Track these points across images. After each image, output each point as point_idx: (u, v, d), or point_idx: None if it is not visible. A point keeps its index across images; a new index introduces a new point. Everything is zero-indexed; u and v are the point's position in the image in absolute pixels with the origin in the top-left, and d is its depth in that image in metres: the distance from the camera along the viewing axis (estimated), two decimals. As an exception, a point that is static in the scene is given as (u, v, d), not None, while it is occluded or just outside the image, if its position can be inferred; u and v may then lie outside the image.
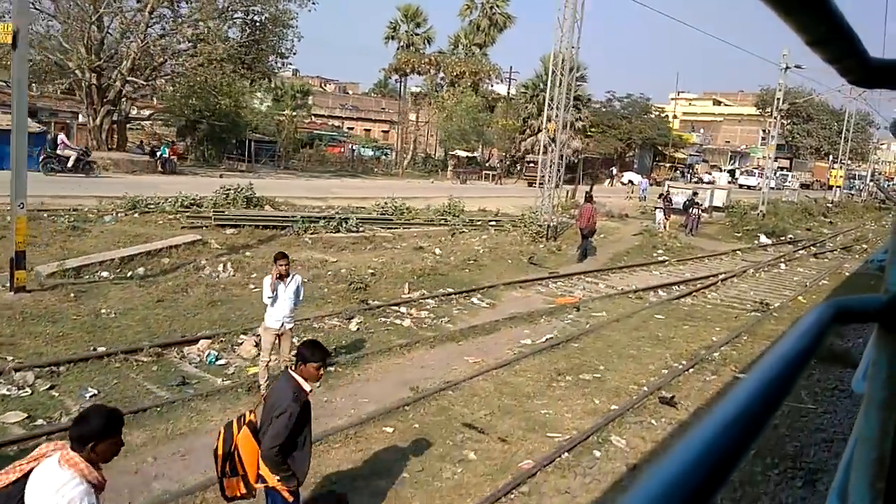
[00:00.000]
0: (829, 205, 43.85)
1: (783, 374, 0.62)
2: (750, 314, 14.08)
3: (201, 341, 9.11)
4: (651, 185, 49.50)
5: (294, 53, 38.41)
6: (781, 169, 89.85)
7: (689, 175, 67.63)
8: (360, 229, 18.94)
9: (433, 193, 29.47)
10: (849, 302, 0.87)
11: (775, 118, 31.15)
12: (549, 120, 23.16)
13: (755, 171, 68.93)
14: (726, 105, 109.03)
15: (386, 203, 23.08)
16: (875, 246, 28.99)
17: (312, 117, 61.76)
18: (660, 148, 63.90)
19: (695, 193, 27.08)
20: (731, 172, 73.06)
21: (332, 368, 8.47)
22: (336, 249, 16.47)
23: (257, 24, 35.31)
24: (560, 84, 21.98)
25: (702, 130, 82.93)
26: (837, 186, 76.48)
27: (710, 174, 73.45)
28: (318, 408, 6.50)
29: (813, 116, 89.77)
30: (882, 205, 70.18)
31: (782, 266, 20.48)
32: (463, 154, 50.71)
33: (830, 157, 63.71)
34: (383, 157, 55.54)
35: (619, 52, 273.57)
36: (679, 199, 27.12)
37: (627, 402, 8.38)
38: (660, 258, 20.04)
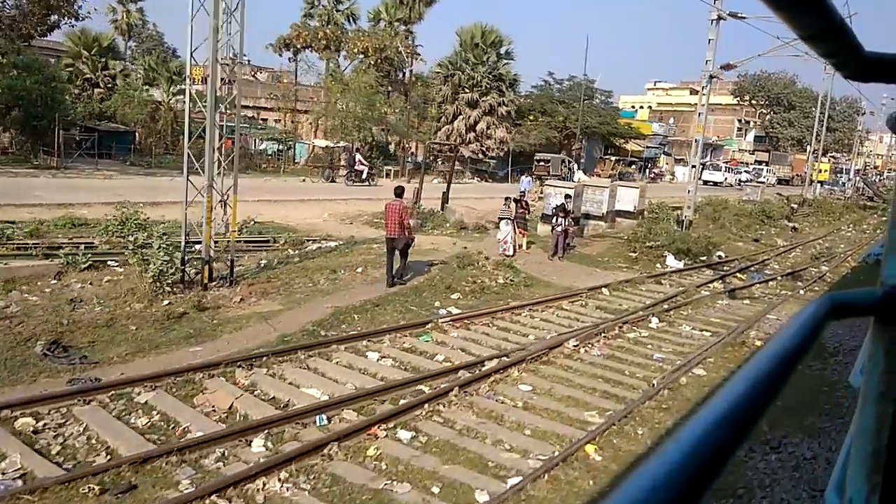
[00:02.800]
0: (794, 206, 35.04)
1: (777, 370, 0.61)
2: None
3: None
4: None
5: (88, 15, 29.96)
6: (760, 163, 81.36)
7: (647, 170, 58.95)
8: None
9: (263, 196, 20.73)
10: (845, 296, 0.86)
11: (703, 92, 22.53)
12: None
13: (722, 164, 60.22)
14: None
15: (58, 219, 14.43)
16: (842, 269, 20.36)
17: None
18: (611, 139, 55.19)
19: (567, 197, 18.35)
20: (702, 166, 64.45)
21: None
22: None
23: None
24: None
25: (671, 120, 74.14)
26: (820, 182, 68.28)
27: (661, 168, 64.71)
28: None
29: (795, 105, 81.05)
30: (869, 202, 61.56)
31: (653, 322, 11.76)
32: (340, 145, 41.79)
33: (809, 149, 54.94)
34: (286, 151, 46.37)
35: (596, 41, 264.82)
36: (555, 203, 18.42)
37: None
38: (427, 319, 11.28)
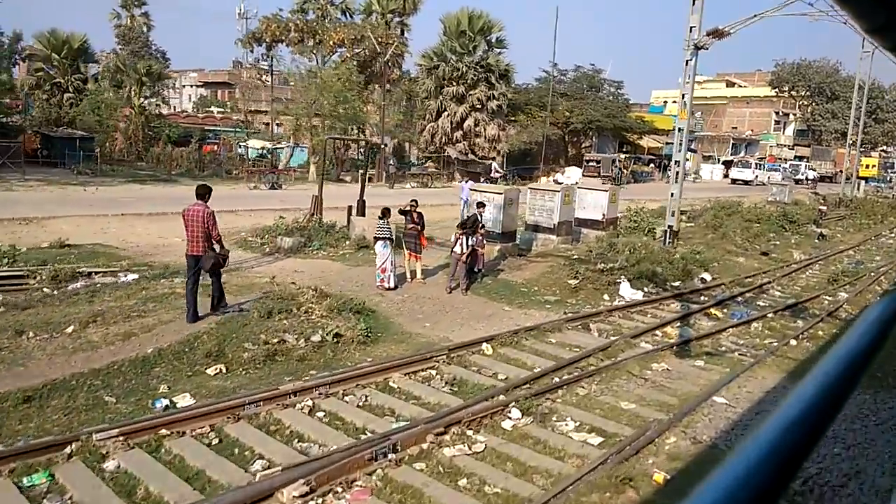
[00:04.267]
0: (823, 208, 29.39)
1: (846, 373, 0.60)
2: None
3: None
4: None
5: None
6: (801, 159, 74.38)
7: (665, 169, 53.21)
8: None
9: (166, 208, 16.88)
10: None
11: (688, 67, 17.50)
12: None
13: (752, 161, 54.24)
14: (740, 87, 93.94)
15: None
16: (869, 295, 15.29)
17: (174, 108, 50.13)
18: (626, 135, 49.94)
19: (480, 205, 13.72)
20: (728, 164, 58.51)
21: None
22: None
23: None
24: None
25: (699, 114, 68.06)
26: (866, 178, 61.50)
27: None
28: None
29: (838, 94, 73.82)
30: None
31: (512, 416, 7.16)
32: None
33: (848, 142, 48.58)
34: (271, 154, 42.57)
35: (630, 33, 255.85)
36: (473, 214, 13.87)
37: None
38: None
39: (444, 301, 11.90)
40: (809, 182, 60.01)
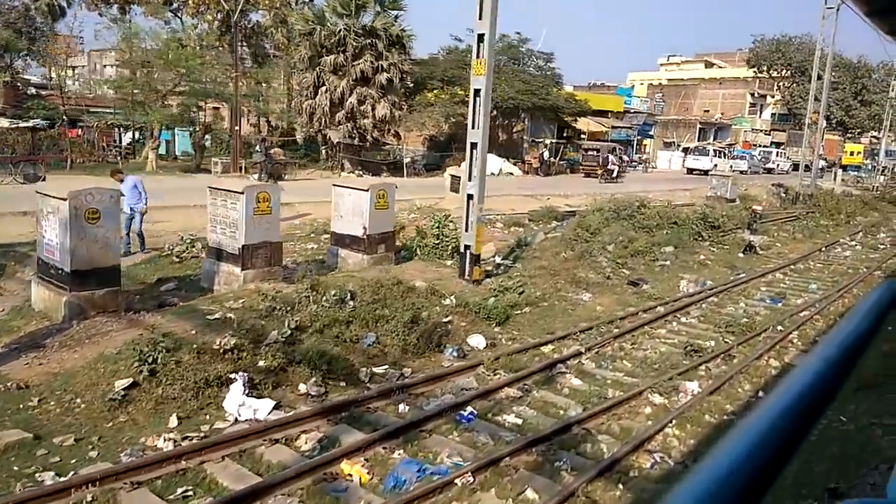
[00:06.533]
0: (758, 207, 22.11)
1: (842, 359, 0.60)
2: None
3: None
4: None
5: None
6: (780, 145, 67.25)
7: (620, 157, 46.03)
8: None
9: None
10: None
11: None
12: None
13: (710, 148, 47.18)
14: (720, 67, 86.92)
15: None
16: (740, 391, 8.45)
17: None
18: (561, 117, 42.83)
19: None
20: (688, 150, 51.42)
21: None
22: None
23: None
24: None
25: (659, 95, 60.97)
26: (845, 167, 54.67)
27: (644, 155, 51.56)
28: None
29: (821, 74, 66.54)
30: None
31: None
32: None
33: (807, 121, 41.60)
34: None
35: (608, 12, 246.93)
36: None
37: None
38: None
39: None
40: (785, 172, 53.14)
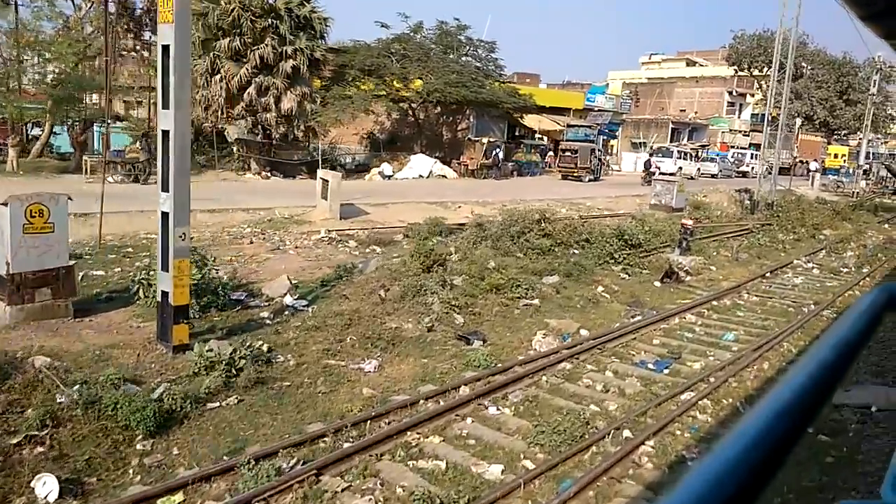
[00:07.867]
0: (689, 222, 17.82)
1: (835, 362, 0.60)
2: None
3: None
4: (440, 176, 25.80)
5: None
6: (757, 146, 63.29)
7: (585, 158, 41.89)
8: None
9: None
10: None
11: None
12: None
13: (674, 150, 43.18)
14: (701, 66, 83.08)
15: None
16: None
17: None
18: (516, 116, 38.78)
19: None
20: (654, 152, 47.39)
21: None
22: None
23: None
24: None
25: (626, 93, 57.00)
26: (825, 170, 50.86)
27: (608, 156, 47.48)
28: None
29: (803, 72, 62.79)
30: (894, 196, 44.23)
31: None
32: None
33: (766, 117, 37.75)
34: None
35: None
36: None
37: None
38: None
39: None
40: (764, 176, 49.17)
